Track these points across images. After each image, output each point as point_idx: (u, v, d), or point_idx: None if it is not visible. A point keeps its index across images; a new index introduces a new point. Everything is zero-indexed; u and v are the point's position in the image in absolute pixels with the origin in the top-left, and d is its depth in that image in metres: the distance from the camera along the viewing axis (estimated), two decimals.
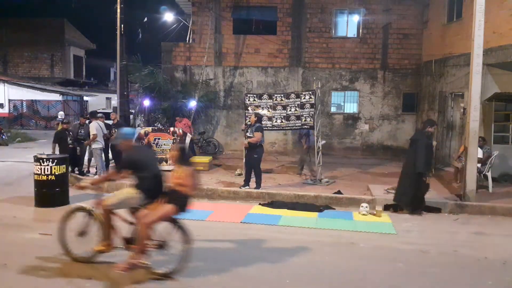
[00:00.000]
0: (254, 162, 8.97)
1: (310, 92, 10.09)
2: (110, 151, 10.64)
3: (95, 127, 9.79)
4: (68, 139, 9.93)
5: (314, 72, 15.14)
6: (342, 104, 15.54)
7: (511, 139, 10.39)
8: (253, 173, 9.14)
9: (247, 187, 8.93)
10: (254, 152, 8.89)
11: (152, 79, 14.18)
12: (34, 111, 26.14)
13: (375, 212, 7.59)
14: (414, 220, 7.42)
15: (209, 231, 6.51)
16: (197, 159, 11.67)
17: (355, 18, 15.20)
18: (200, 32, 15.31)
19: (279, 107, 10.32)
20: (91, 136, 9.82)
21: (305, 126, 10.19)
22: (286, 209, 7.84)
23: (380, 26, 14.95)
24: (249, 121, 9.43)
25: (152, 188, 4.82)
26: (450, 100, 12.54)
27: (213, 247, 5.77)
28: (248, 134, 8.95)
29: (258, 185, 8.96)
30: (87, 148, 10.40)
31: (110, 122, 11.02)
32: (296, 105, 10.13)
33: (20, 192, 8.92)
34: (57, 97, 26.49)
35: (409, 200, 7.74)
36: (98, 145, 9.80)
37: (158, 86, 14.15)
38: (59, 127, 10.69)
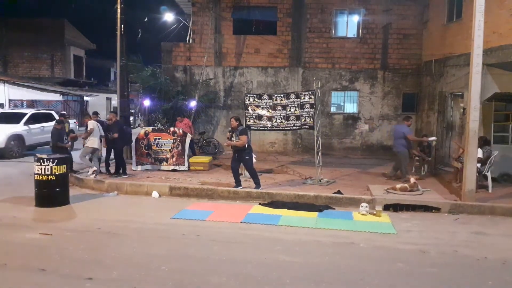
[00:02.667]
0: (247, 164, 8.97)
1: (310, 92, 10.09)
2: (113, 151, 10.64)
3: (93, 123, 10.07)
4: (64, 138, 10.02)
5: (314, 72, 15.15)
6: (342, 104, 15.54)
7: (511, 139, 10.39)
8: (247, 172, 9.15)
9: (240, 187, 8.92)
10: (244, 154, 8.87)
11: (154, 79, 14.21)
12: None
13: (375, 212, 7.60)
14: (414, 220, 7.42)
15: (209, 231, 6.52)
16: (197, 159, 11.69)
17: (355, 18, 15.20)
18: (200, 32, 15.32)
19: (278, 107, 10.32)
20: (88, 130, 10.02)
21: (304, 126, 10.19)
22: (286, 209, 7.84)
23: (380, 26, 14.95)
24: (230, 127, 9.22)
25: None
26: (450, 100, 12.54)
27: (213, 247, 5.77)
28: (233, 139, 8.89)
29: (258, 185, 8.96)
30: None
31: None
32: (296, 105, 10.13)
33: (20, 192, 8.93)
34: (57, 97, 26.48)
35: None
36: (93, 144, 9.91)
37: (159, 86, 14.18)
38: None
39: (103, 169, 10.53)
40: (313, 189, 9.17)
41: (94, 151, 10.07)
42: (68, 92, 28.29)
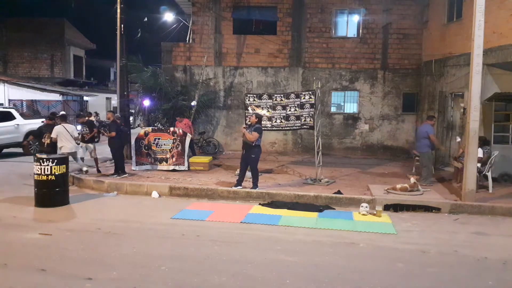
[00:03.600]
0: (251, 162, 8.98)
1: (310, 92, 10.10)
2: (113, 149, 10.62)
3: (56, 130, 9.81)
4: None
5: (314, 72, 15.14)
6: (342, 104, 15.54)
7: (511, 139, 10.39)
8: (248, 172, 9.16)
9: (239, 187, 8.92)
10: (252, 152, 8.89)
11: (154, 79, 14.21)
12: (34, 111, 26.12)
13: (375, 212, 7.59)
14: (414, 220, 7.42)
15: (209, 231, 6.52)
16: (197, 159, 11.69)
17: (355, 18, 15.20)
18: (200, 32, 15.32)
19: (279, 107, 10.33)
20: (52, 139, 9.83)
21: (304, 126, 10.20)
22: (286, 209, 7.84)
23: (380, 26, 14.95)
24: (249, 121, 9.41)
25: None
26: (450, 100, 12.54)
27: (213, 247, 5.77)
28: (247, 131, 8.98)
29: (255, 185, 8.96)
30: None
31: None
32: (296, 105, 10.14)
33: (20, 192, 8.93)
34: (57, 97, 26.44)
35: None
36: (65, 150, 9.71)
37: (159, 86, 14.17)
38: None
39: (101, 169, 10.54)
40: (313, 189, 9.17)
41: (70, 155, 9.88)
42: (68, 92, 28.26)
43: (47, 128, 10.19)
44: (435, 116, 11.40)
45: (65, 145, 9.83)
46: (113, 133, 10.12)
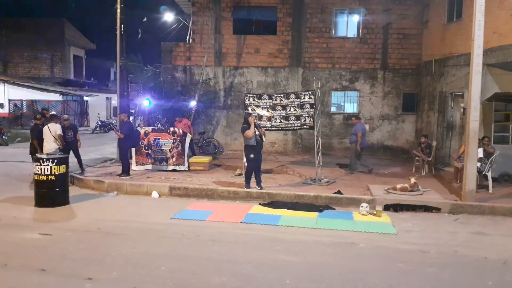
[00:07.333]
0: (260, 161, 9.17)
1: (310, 92, 10.09)
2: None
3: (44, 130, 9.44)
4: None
5: (314, 72, 15.14)
6: (342, 104, 15.53)
7: (511, 139, 10.39)
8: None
9: (249, 189, 8.92)
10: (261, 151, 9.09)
11: (154, 79, 14.21)
12: (34, 111, 26.14)
13: (375, 212, 7.60)
14: (414, 220, 7.42)
15: (209, 231, 6.52)
16: (197, 159, 11.69)
17: (355, 18, 15.19)
18: (200, 32, 15.31)
19: (278, 107, 10.33)
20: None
21: (304, 126, 10.19)
22: (286, 209, 7.84)
23: (380, 26, 14.95)
24: (255, 122, 9.04)
25: None
26: (450, 100, 12.54)
27: (213, 247, 5.77)
28: (257, 133, 8.85)
29: (260, 184, 9.02)
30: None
31: None
32: (295, 105, 10.13)
33: (20, 192, 8.93)
34: (57, 97, 26.48)
35: None
36: (44, 150, 9.25)
37: (159, 86, 14.18)
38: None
39: (102, 169, 10.54)
40: (313, 189, 9.17)
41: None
42: (68, 92, 28.29)
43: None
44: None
45: (45, 146, 9.39)
46: (121, 135, 10.17)
